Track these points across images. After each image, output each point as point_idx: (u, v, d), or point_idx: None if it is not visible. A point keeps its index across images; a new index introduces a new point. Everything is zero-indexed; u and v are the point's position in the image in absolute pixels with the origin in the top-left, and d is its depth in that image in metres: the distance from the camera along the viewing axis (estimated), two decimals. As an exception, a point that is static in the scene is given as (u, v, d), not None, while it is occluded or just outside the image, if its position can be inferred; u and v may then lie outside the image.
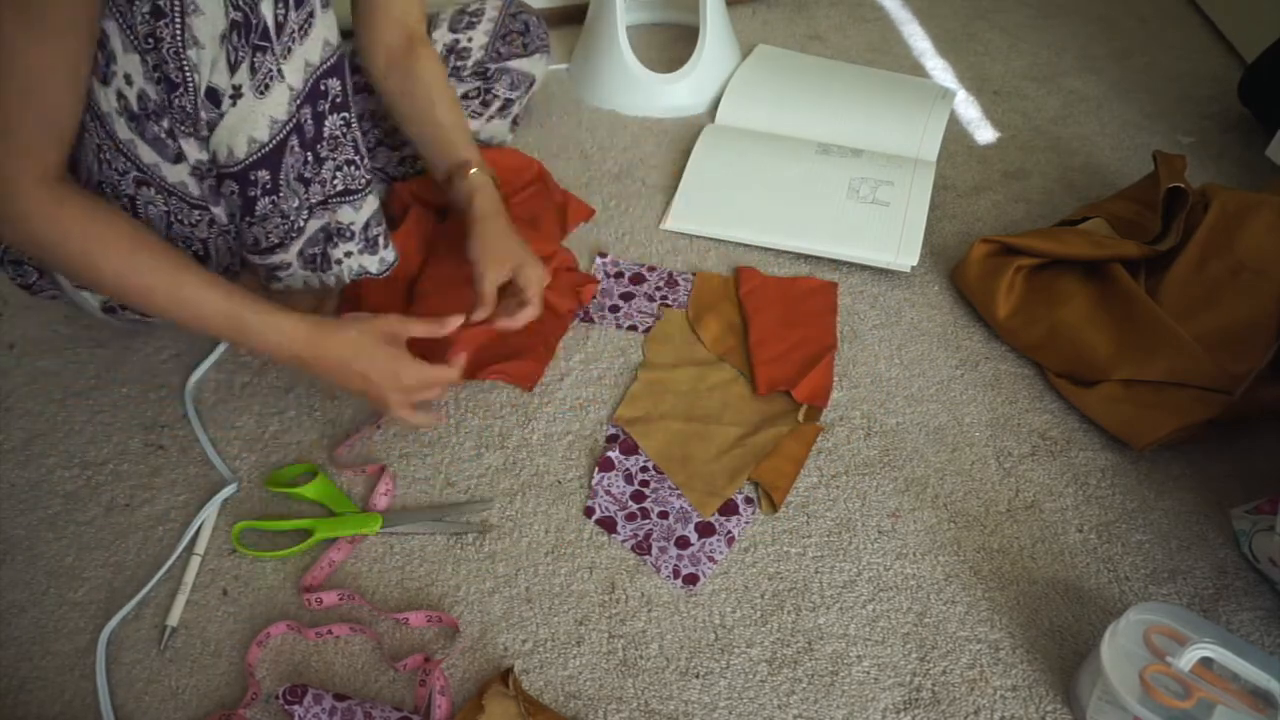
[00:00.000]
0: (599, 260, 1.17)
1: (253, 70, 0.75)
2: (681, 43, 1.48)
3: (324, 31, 0.80)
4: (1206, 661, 0.73)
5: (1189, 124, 1.42)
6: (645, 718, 0.79)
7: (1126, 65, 1.53)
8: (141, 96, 0.75)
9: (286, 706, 0.75)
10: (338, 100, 0.84)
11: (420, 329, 0.88)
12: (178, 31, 0.71)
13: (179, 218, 0.85)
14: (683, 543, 0.90)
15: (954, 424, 1.01)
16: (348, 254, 0.93)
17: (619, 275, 1.15)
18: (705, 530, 0.91)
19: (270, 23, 0.74)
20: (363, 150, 0.89)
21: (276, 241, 0.87)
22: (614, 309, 1.11)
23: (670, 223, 1.22)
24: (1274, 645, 0.85)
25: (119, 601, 0.85)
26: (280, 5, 0.75)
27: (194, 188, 0.83)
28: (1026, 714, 0.80)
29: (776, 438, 0.98)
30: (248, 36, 0.73)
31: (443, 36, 1.15)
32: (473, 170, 0.99)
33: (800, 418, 1.00)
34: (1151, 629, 0.76)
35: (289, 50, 0.77)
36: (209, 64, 0.74)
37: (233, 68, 0.74)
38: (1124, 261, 1.06)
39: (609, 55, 1.38)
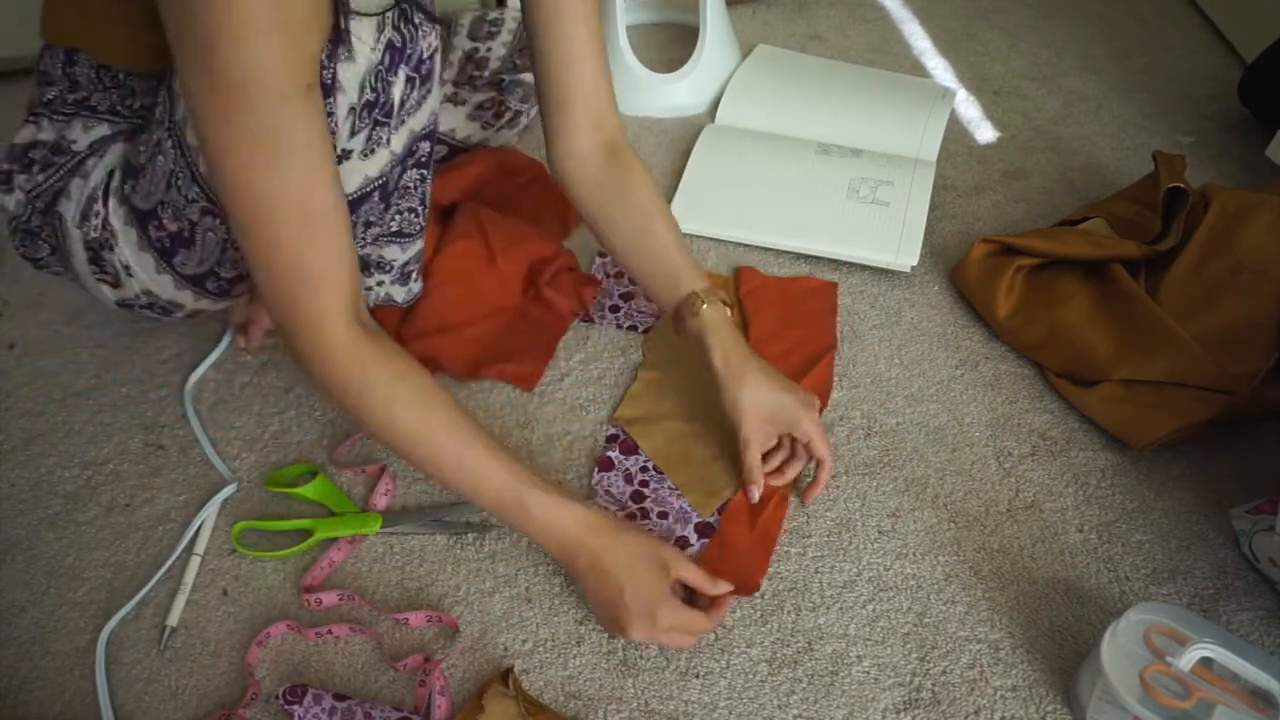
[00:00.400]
0: (599, 260, 1.17)
1: (366, 140, 0.75)
2: (681, 43, 1.48)
3: (434, 104, 0.80)
4: (1206, 661, 0.73)
5: (1189, 124, 1.42)
6: (645, 718, 0.79)
7: (1126, 65, 1.53)
8: None
9: (286, 706, 0.75)
10: (423, 159, 0.84)
11: (695, 579, 0.80)
12: (332, 104, 0.71)
13: (234, 244, 0.84)
14: (682, 543, 0.90)
15: (954, 424, 1.01)
16: (379, 283, 0.93)
17: (619, 275, 1.15)
18: (704, 531, 0.91)
19: (396, 102, 0.75)
20: (428, 201, 0.89)
21: None
22: (614, 309, 1.11)
23: (670, 223, 1.22)
24: (1274, 645, 0.85)
25: (119, 601, 0.85)
26: (409, 86, 0.75)
27: None
28: (1026, 714, 0.80)
29: (776, 438, 0.98)
30: (372, 112, 0.74)
31: (462, 44, 1.15)
32: (704, 307, 0.90)
33: (800, 418, 1.00)
34: (1151, 629, 0.76)
35: (402, 123, 0.78)
36: (332, 133, 0.72)
37: (351, 134, 0.74)
38: (1124, 261, 1.06)
39: (609, 55, 1.37)
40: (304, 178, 0.66)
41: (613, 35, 1.36)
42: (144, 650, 0.82)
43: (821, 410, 1.01)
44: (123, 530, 0.90)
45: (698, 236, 1.20)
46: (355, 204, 0.80)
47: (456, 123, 1.18)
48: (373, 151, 0.77)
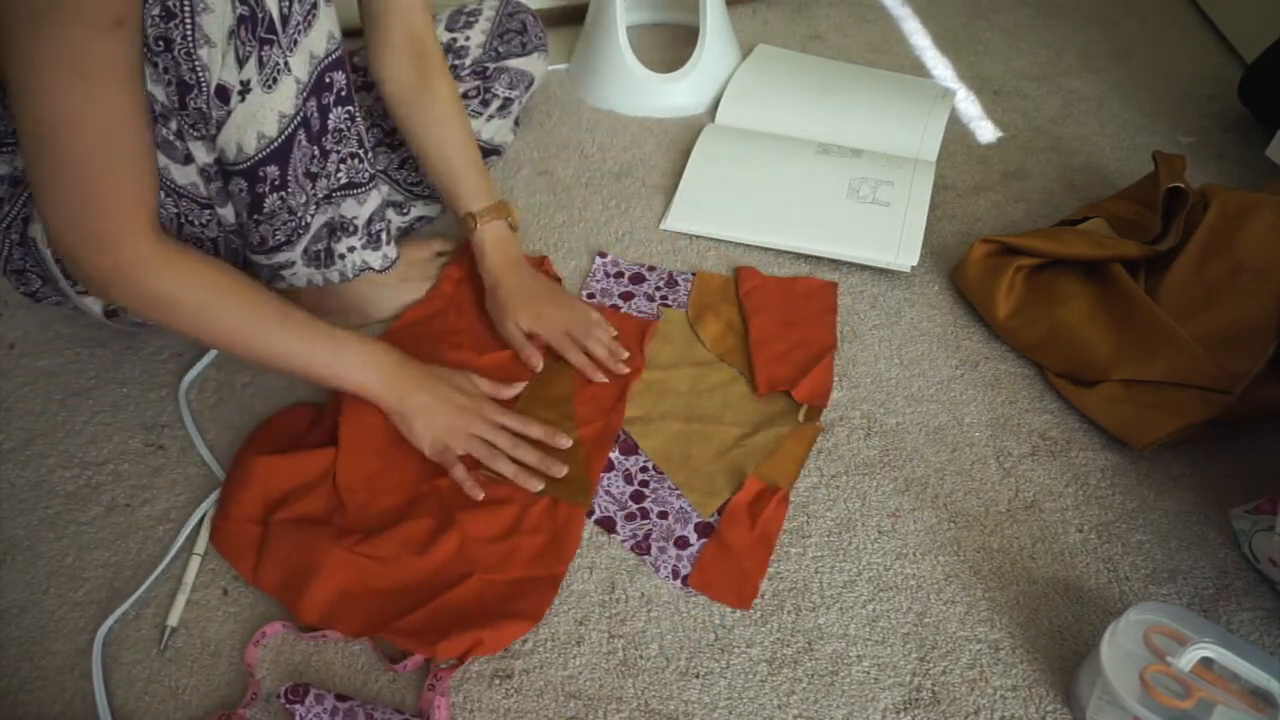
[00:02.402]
0: (599, 260, 1.17)
1: (260, 64, 0.75)
2: (681, 43, 1.48)
3: (327, 24, 0.80)
4: (1206, 661, 0.73)
5: (1189, 124, 1.42)
6: (645, 718, 0.79)
7: (1126, 65, 1.53)
8: (150, 100, 0.75)
9: (288, 706, 0.75)
10: (342, 93, 0.84)
11: (488, 387, 0.95)
12: (188, 31, 0.71)
13: (189, 219, 0.84)
14: (682, 543, 0.90)
15: (954, 424, 1.01)
16: (350, 249, 0.93)
17: (619, 275, 1.15)
18: (705, 531, 0.91)
19: (276, 15, 0.75)
20: (366, 144, 0.89)
21: (284, 239, 0.87)
22: (614, 309, 1.11)
23: (670, 223, 1.22)
24: (1274, 645, 0.85)
25: (119, 601, 0.85)
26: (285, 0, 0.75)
27: (203, 188, 0.83)
28: (1026, 714, 0.80)
29: (777, 438, 0.98)
30: (254, 30, 0.73)
31: (440, 35, 1.15)
32: (479, 226, 1.02)
33: (800, 418, 1.00)
34: (1151, 629, 0.76)
35: (295, 43, 0.77)
36: (219, 61, 0.73)
37: (240, 63, 0.74)
38: (1124, 261, 1.06)
39: (609, 55, 1.38)
40: (107, 103, 0.68)
41: (613, 35, 1.36)
42: (144, 650, 0.82)
43: (821, 410, 1.01)
44: (123, 530, 0.90)
45: (698, 236, 1.21)
46: (284, 151, 0.80)
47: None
48: (274, 81, 0.76)
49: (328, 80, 0.82)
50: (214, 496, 0.92)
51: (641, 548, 0.90)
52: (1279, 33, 1.33)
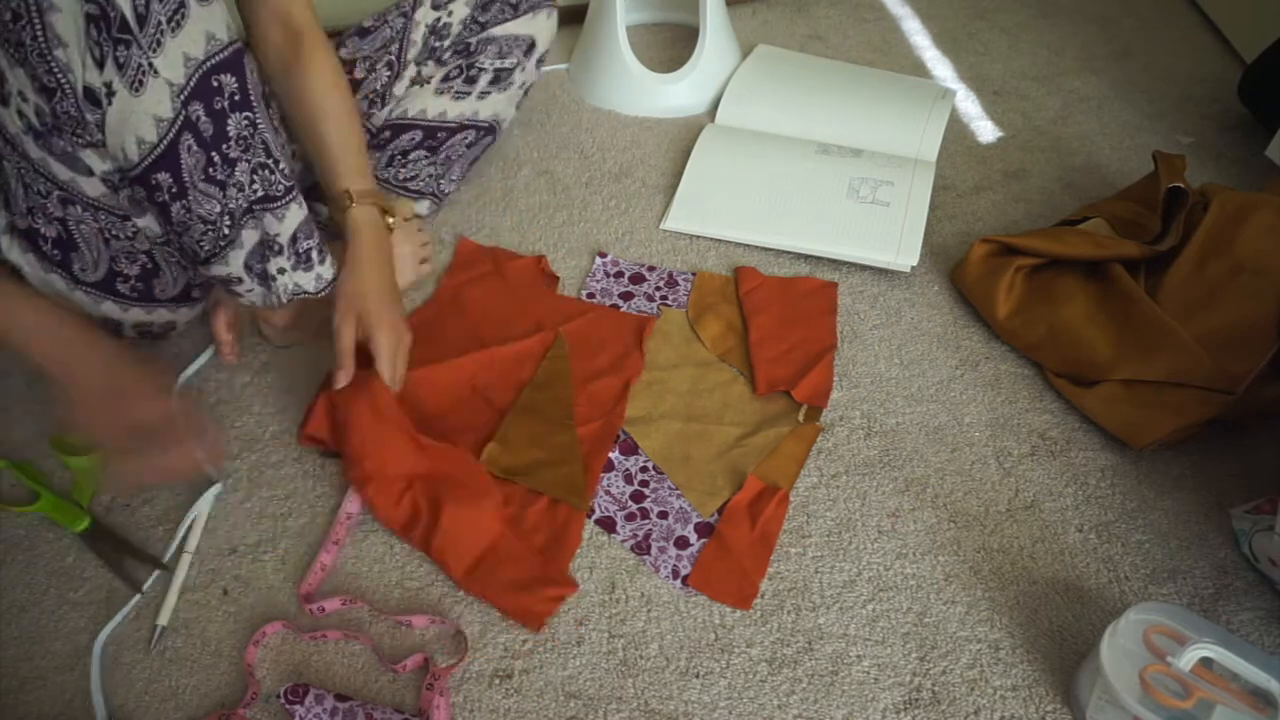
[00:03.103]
0: (599, 260, 1.17)
1: (119, 66, 0.72)
2: (681, 43, 1.48)
3: (204, 25, 0.75)
4: (1206, 661, 0.73)
5: (1189, 124, 1.42)
6: (645, 718, 0.79)
7: (1126, 65, 1.53)
8: (39, 111, 0.73)
9: (288, 706, 0.76)
10: (236, 98, 0.80)
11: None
12: (38, 32, 0.69)
13: (113, 233, 0.83)
14: (682, 543, 0.90)
15: (954, 424, 1.01)
16: (280, 270, 0.88)
17: (619, 275, 1.15)
18: (705, 531, 0.91)
19: (129, 14, 0.71)
20: (276, 154, 0.84)
21: (211, 249, 0.83)
22: (613, 309, 1.11)
23: (670, 223, 1.22)
24: (1274, 645, 0.85)
25: (118, 602, 0.85)
26: None
27: (115, 200, 0.81)
28: (1026, 714, 0.80)
29: (776, 438, 0.98)
30: (107, 30, 0.70)
31: (425, 16, 1.11)
32: (352, 206, 0.94)
33: (800, 418, 1.00)
34: (1151, 629, 0.76)
35: (158, 43, 0.73)
36: (79, 63, 0.71)
37: (99, 64, 0.71)
38: (1124, 261, 1.06)
39: (609, 55, 1.38)
40: None
41: (613, 35, 1.36)
42: (144, 650, 0.82)
43: (821, 410, 1.01)
44: (123, 530, 0.90)
45: (698, 236, 1.21)
46: (171, 156, 0.77)
47: (425, 102, 1.13)
48: (140, 83, 0.73)
49: (215, 83, 0.77)
50: (211, 494, 0.92)
51: (641, 548, 0.90)
52: (1279, 33, 1.33)
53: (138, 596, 0.85)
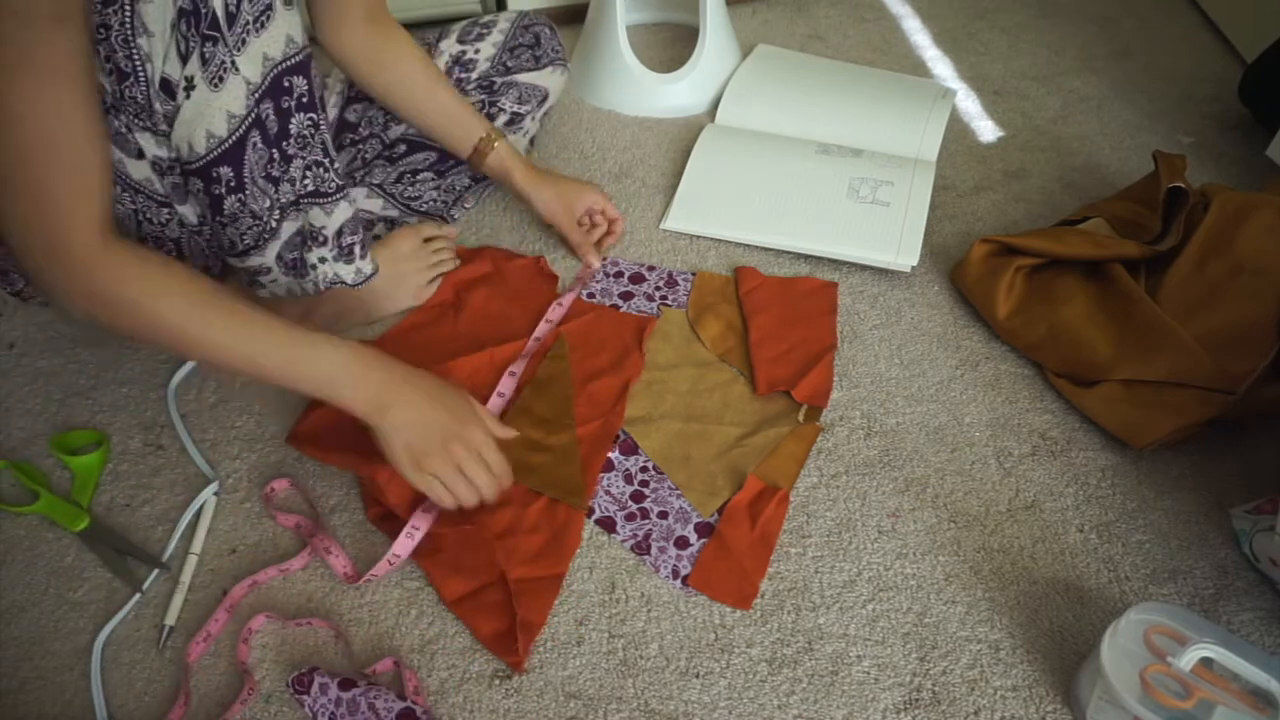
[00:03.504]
0: (600, 261, 1.17)
1: (204, 61, 0.73)
2: (681, 43, 1.48)
3: (285, 28, 0.79)
4: (1207, 661, 0.73)
5: (1189, 124, 1.42)
6: (645, 718, 0.79)
7: (1126, 65, 1.53)
8: (100, 91, 0.73)
9: (296, 695, 0.76)
10: (304, 100, 0.83)
11: (489, 423, 0.86)
12: (127, 19, 0.70)
13: (147, 216, 0.84)
14: (682, 543, 0.90)
15: (954, 424, 1.01)
16: (321, 259, 0.92)
17: (619, 275, 1.15)
18: (705, 531, 0.91)
19: (220, 12, 0.73)
20: (332, 154, 0.88)
21: (251, 243, 0.85)
22: (613, 309, 1.11)
23: (670, 223, 1.22)
24: (1274, 645, 0.85)
25: (118, 602, 0.85)
26: None
27: (158, 184, 0.81)
28: (1026, 714, 0.80)
29: (776, 438, 0.98)
30: (197, 25, 0.72)
31: (450, 48, 1.14)
32: (496, 143, 1.07)
33: (800, 418, 1.00)
34: (1151, 629, 0.76)
35: (243, 42, 0.75)
36: (160, 54, 0.72)
37: (184, 58, 0.72)
38: (1124, 261, 1.06)
39: (609, 55, 1.38)
40: (50, 102, 0.65)
41: (613, 35, 1.36)
42: (144, 650, 0.82)
43: (821, 410, 1.01)
44: (123, 530, 0.90)
45: (698, 236, 1.20)
46: (236, 152, 0.78)
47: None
48: (220, 79, 0.74)
49: (286, 84, 0.80)
50: (209, 491, 0.92)
51: (641, 548, 0.90)
52: (1279, 33, 1.33)
53: (137, 596, 0.85)
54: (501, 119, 1.17)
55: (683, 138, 1.35)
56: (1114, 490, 0.96)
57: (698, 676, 0.82)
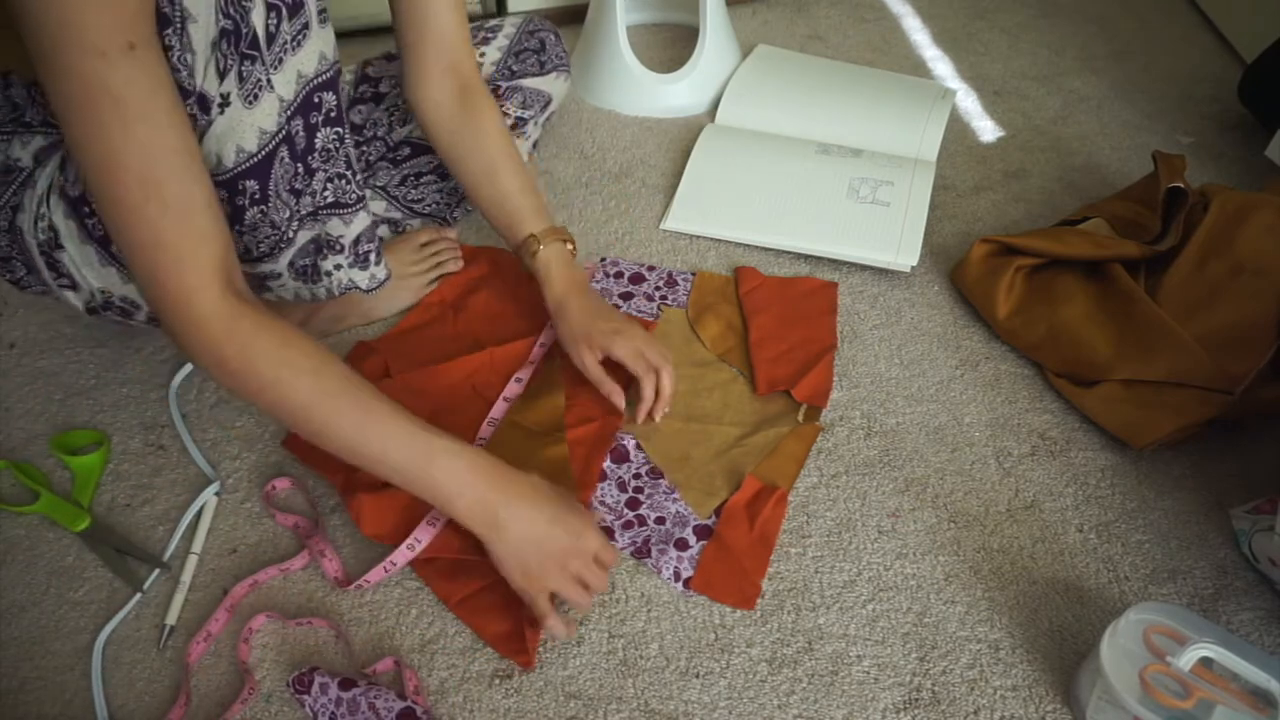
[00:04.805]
0: (600, 261, 1.17)
1: (240, 79, 0.73)
2: (681, 43, 1.48)
3: (320, 45, 0.79)
4: (1206, 661, 0.73)
5: (1189, 124, 1.42)
6: (645, 718, 0.79)
7: (1126, 65, 1.53)
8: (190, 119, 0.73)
9: (297, 695, 0.76)
10: (332, 114, 0.83)
11: (597, 542, 0.82)
12: (183, 39, 0.69)
13: None
14: (682, 545, 0.90)
15: (954, 424, 1.01)
16: (337, 266, 0.91)
17: (619, 275, 1.15)
18: (703, 533, 0.91)
19: (261, 32, 0.73)
20: (355, 166, 0.88)
21: (267, 251, 0.85)
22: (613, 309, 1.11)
23: (670, 223, 1.22)
24: (1274, 645, 0.85)
25: (119, 602, 0.85)
26: (273, 15, 0.74)
27: None
28: (1026, 714, 0.80)
29: (776, 438, 0.98)
30: (236, 45, 0.72)
31: None
32: (541, 248, 0.97)
33: (800, 418, 1.00)
34: (1151, 629, 0.76)
35: (280, 61, 0.76)
36: (201, 71, 0.72)
37: (221, 75, 0.72)
38: (1124, 261, 1.06)
39: (609, 55, 1.38)
40: (140, 141, 0.63)
41: (613, 35, 1.36)
42: (144, 650, 0.82)
43: (821, 410, 1.01)
44: (123, 530, 0.90)
45: (698, 236, 1.21)
46: (264, 166, 0.78)
47: None
48: (255, 97, 0.74)
49: (316, 100, 0.80)
50: (201, 498, 0.92)
51: (642, 553, 0.90)
52: (1279, 33, 1.33)
53: (138, 596, 0.85)
54: (505, 123, 1.17)
55: (683, 138, 1.35)
56: (1114, 490, 0.96)
57: (698, 676, 0.82)
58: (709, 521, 0.91)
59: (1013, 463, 0.98)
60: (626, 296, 1.13)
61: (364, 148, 1.11)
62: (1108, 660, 0.73)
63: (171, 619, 0.83)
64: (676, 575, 0.88)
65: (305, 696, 0.77)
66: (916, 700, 0.80)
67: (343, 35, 1.46)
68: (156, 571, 0.87)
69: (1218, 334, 0.99)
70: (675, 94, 1.39)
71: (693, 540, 0.90)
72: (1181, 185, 1.07)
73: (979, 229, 1.23)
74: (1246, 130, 1.39)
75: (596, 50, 1.39)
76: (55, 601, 0.86)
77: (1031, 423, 1.02)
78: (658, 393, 0.96)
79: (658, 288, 1.14)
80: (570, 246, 1.00)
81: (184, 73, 0.71)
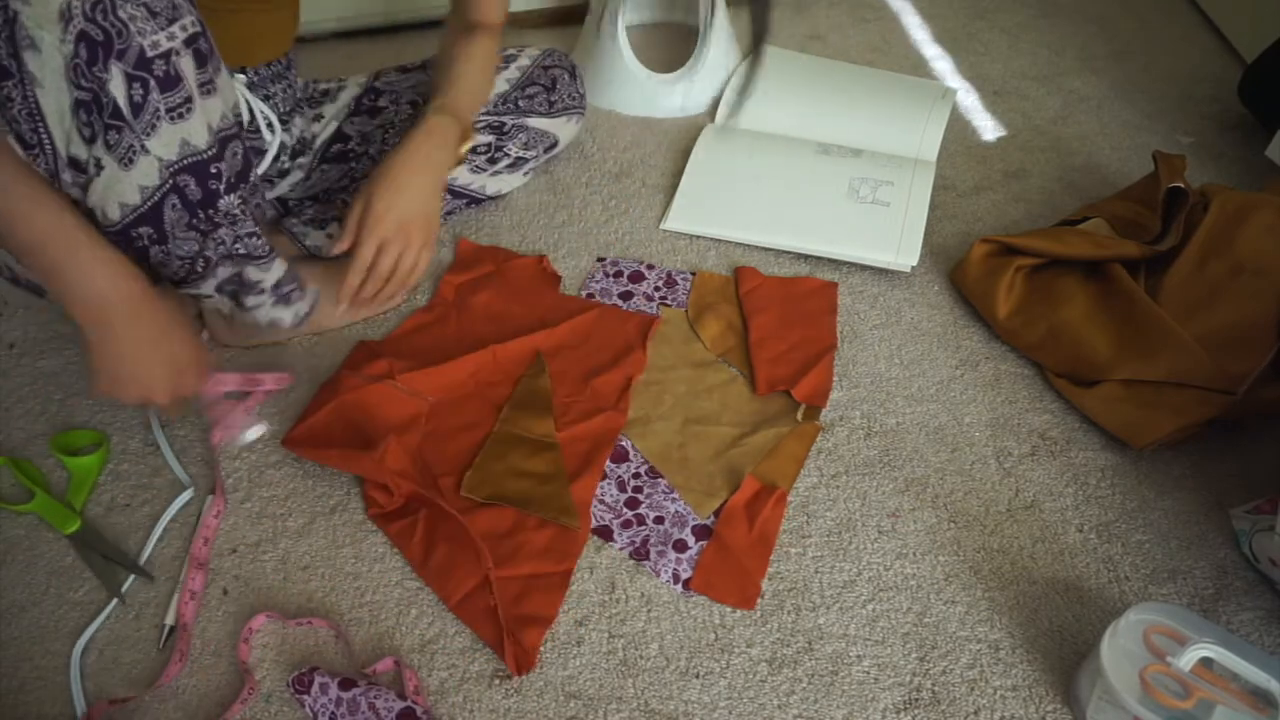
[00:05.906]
0: (599, 261, 1.17)
1: (109, 146, 0.72)
2: (681, 43, 1.48)
3: (205, 117, 0.77)
4: (1206, 661, 0.73)
5: (1189, 124, 1.42)
6: (645, 718, 0.79)
7: (1126, 65, 1.53)
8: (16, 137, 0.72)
9: (297, 695, 0.76)
10: (231, 180, 0.81)
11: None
12: (29, 98, 0.68)
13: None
14: (680, 546, 0.90)
15: (954, 424, 1.01)
16: (259, 304, 0.91)
17: (618, 274, 1.15)
18: (703, 534, 0.91)
19: (124, 104, 0.70)
20: (258, 229, 0.86)
21: (185, 276, 0.84)
22: (614, 308, 1.11)
23: (670, 223, 1.22)
24: (1274, 645, 0.85)
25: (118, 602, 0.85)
26: (137, 87, 0.71)
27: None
28: (1026, 714, 0.80)
29: (776, 437, 0.98)
30: (99, 114, 0.70)
31: None
32: (432, 113, 0.99)
33: (799, 417, 1.00)
34: (1151, 629, 0.76)
35: (153, 128, 0.73)
36: (63, 138, 0.70)
37: (88, 141, 0.71)
38: (1124, 261, 1.06)
39: (609, 55, 1.38)
40: None
41: (613, 35, 1.36)
42: (144, 650, 0.82)
43: (820, 410, 1.01)
44: (123, 530, 0.90)
45: (698, 236, 1.20)
46: (155, 214, 0.76)
47: (454, 171, 1.13)
48: (130, 160, 0.73)
49: (214, 170, 0.78)
50: (184, 497, 0.92)
51: (640, 553, 0.89)
52: (1279, 33, 1.33)
53: (115, 602, 0.85)
54: (504, 162, 1.16)
55: (683, 138, 1.35)
56: (1114, 490, 0.96)
57: (698, 676, 0.82)
58: (708, 522, 0.91)
59: (1013, 463, 0.98)
60: (626, 296, 1.13)
61: (352, 164, 1.11)
62: (1108, 660, 0.73)
63: (170, 619, 0.83)
64: (675, 578, 0.88)
65: (305, 696, 0.77)
66: (916, 700, 0.80)
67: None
68: (132, 578, 0.86)
69: (1218, 334, 0.99)
70: (675, 94, 1.39)
71: (691, 542, 0.90)
72: (1182, 185, 1.07)
73: (979, 229, 1.23)
74: (1246, 130, 1.39)
75: (596, 50, 1.39)
76: (55, 601, 0.86)
77: (1031, 423, 1.02)
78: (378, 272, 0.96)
79: (657, 288, 1.14)
80: (463, 131, 1.01)
81: (41, 130, 0.70)
